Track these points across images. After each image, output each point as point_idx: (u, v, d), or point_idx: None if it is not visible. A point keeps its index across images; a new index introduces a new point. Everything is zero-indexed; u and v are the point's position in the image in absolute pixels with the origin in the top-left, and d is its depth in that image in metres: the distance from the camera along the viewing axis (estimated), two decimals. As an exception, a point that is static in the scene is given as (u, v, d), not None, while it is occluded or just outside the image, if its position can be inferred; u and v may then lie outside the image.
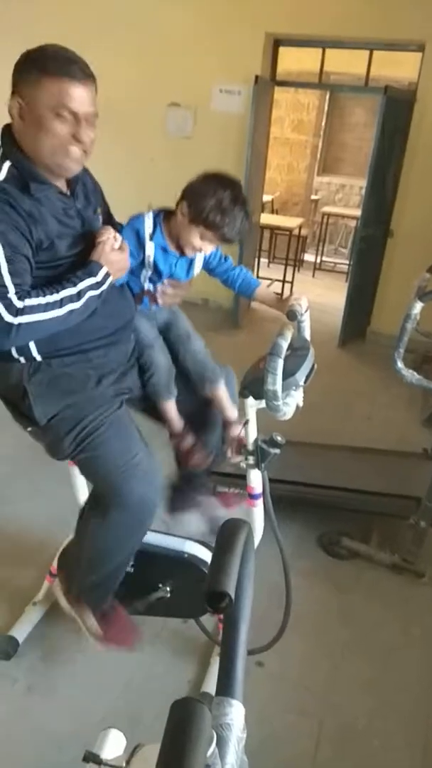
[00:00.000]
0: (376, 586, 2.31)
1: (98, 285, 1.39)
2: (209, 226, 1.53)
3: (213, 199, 1.51)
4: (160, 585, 1.80)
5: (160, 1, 4.71)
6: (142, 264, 1.62)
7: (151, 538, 1.75)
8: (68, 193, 1.44)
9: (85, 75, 1.30)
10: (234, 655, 0.65)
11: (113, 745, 0.59)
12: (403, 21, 4.12)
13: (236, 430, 1.76)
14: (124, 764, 0.60)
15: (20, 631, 1.91)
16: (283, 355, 1.31)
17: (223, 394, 1.79)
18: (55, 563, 1.90)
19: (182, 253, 1.65)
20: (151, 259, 1.62)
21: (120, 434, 1.52)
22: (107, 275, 1.41)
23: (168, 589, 1.80)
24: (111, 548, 1.57)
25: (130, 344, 1.62)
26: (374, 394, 3.98)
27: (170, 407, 1.74)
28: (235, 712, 0.64)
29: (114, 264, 1.43)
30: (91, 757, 0.61)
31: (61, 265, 1.41)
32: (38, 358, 1.44)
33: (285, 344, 1.32)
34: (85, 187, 1.50)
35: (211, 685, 1.79)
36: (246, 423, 1.59)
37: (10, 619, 1.97)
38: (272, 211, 7.48)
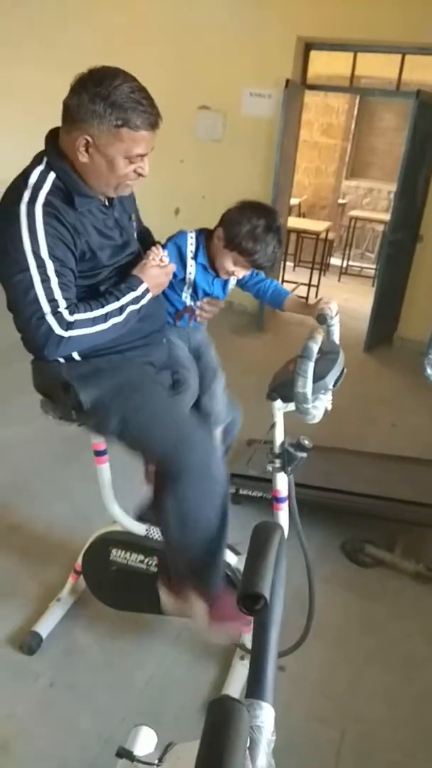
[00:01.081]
0: (400, 595, 2.28)
1: (138, 299, 1.43)
2: (242, 252, 1.60)
3: (248, 227, 1.58)
4: None
5: (191, 5, 4.73)
6: (182, 281, 1.67)
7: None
8: (107, 203, 1.47)
9: (158, 121, 1.33)
10: (265, 657, 0.65)
11: (145, 742, 0.59)
12: (437, 24, 4.08)
13: None
14: (156, 762, 0.60)
15: (44, 627, 1.93)
16: (313, 359, 1.31)
17: (218, 437, 1.85)
18: (79, 560, 1.92)
19: (218, 275, 1.70)
20: (192, 278, 1.68)
21: (166, 404, 1.54)
22: (147, 291, 1.44)
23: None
24: (196, 517, 1.51)
25: (163, 348, 1.64)
26: (400, 401, 3.93)
27: None
28: (266, 715, 0.64)
29: (154, 279, 1.47)
30: (124, 753, 0.61)
31: (100, 273, 1.44)
32: (77, 358, 1.46)
33: (316, 347, 1.31)
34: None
35: (231, 688, 1.78)
36: (273, 426, 1.59)
37: (34, 614, 1.99)
38: (299, 215, 7.46)
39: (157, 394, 1.55)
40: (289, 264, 6.79)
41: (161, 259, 1.50)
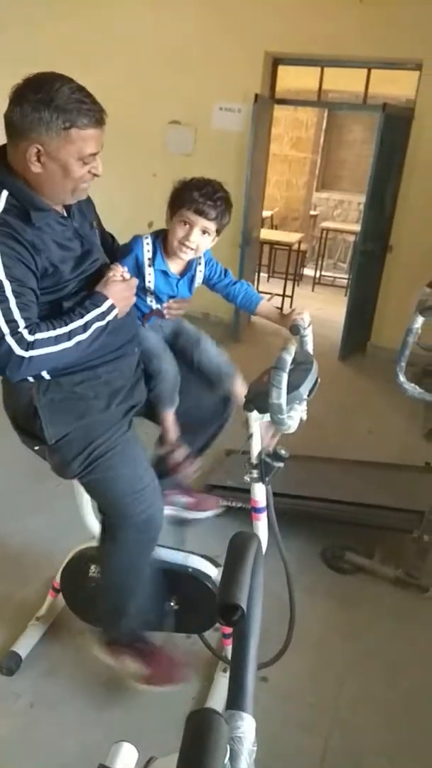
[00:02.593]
0: (381, 601, 2.30)
1: (103, 315, 1.42)
2: (184, 202, 1.57)
3: (186, 183, 1.60)
4: (164, 600, 1.79)
5: (161, 20, 4.79)
6: (144, 290, 1.66)
7: (155, 552, 1.75)
8: (65, 214, 1.45)
9: (104, 117, 1.33)
10: (245, 668, 0.66)
11: (125, 758, 0.59)
12: (401, 40, 4.19)
13: (179, 454, 1.81)
14: (137, 778, 0.60)
15: (23, 647, 1.90)
16: (287, 369, 1.32)
17: (240, 388, 1.80)
18: (57, 578, 1.90)
19: (181, 274, 1.68)
20: (152, 285, 1.66)
21: (128, 458, 1.55)
22: (112, 306, 1.43)
23: (172, 604, 1.79)
24: (126, 569, 1.60)
25: (135, 357, 1.63)
26: (375, 408, 3.98)
27: (169, 416, 1.76)
28: (247, 726, 0.64)
29: (118, 295, 1.45)
30: (103, 770, 0.61)
31: (65, 287, 1.42)
32: (47, 377, 1.45)
33: (289, 358, 1.33)
34: (79, 202, 1.50)
35: (214, 701, 1.78)
36: (250, 437, 1.60)
37: (12, 634, 1.96)
38: (272, 227, 7.54)
39: (126, 444, 1.55)
40: (264, 275, 6.86)
41: (122, 275, 1.48)
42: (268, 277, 7.08)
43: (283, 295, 6.08)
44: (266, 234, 6.33)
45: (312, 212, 8.51)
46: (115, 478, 1.52)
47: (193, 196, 1.56)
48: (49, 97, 1.25)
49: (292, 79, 5.55)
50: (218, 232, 1.64)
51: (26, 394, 1.47)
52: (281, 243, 6.30)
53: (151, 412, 1.75)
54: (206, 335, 1.85)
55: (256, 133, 4.61)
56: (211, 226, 1.60)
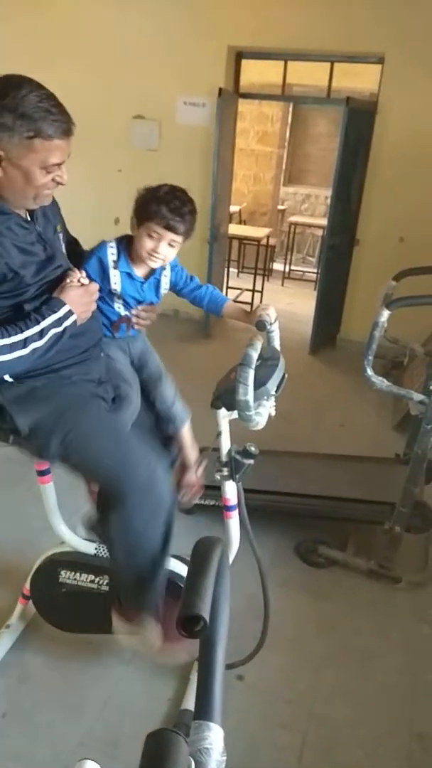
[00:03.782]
0: (354, 593, 2.31)
1: (60, 321, 1.38)
2: (150, 216, 1.56)
3: (150, 192, 1.59)
4: None
5: (122, 14, 4.72)
6: (110, 293, 1.64)
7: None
8: (28, 218, 1.41)
9: (72, 128, 1.29)
10: (211, 677, 0.64)
11: (89, 777, 0.57)
12: (363, 34, 4.21)
13: (192, 475, 1.85)
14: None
15: (-7, 656, 1.86)
16: (253, 366, 1.31)
17: (187, 436, 1.84)
18: (27, 584, 1.86)
19: (146, 277, 1.67)
20: (118, 288, 1.64)
21: (105, 426, 1.50)
22: (69, 312, 1.40)
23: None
24: (141, 535, 1.50)
25: (101, 361, 1.60)
26: (346, 401, 4.01)
27: None
28: (214, 736, 0.62)
29: (77, 301, 1.42)
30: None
31: (25, 291, 1.39)
32: (9, 380, 1.41)
33: (255, 354, 1.31)
34: (43, 206, 1.46)
35: (191, 702, 1.76)
36: (219, 435, 1.58)
37: (-18, 644, 1.91)
38: (240, 222, 7.53)
39: (99, 415, 1.52)
40: (233, 270, 6.85)
41: (80, 280, 1.45)
42: (238, 272, 7.06)
43: (253, 290, 6.07)
44: (235, 229, 6.31)
45: (280, 207, 8.52)
46: (98, 449, 1.46)
47: (162, 211, 1.55)
48: (14, 104, 1.21)
49: (256, 73, 5.53)
50: (184, 240, 1.64)
51: None
52: (250, 238, 6.29)
53: None
54: (167, 375, 1.85)
55: (222, 127, 4.58)
56: (179, 239, 1.61)
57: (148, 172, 4.88)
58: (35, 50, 4.87)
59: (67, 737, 1.69)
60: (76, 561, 1.76)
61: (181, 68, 4.69)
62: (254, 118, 8.03)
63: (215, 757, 0.62)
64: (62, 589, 1.78)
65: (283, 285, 7.11)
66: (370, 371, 2.04)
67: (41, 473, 1.70)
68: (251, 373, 1.30)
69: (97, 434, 1.48)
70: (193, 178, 4.81)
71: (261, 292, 6.17)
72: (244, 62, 4.84)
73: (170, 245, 1.60)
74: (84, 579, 1.76)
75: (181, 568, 1.77)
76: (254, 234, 6.38)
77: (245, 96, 5.12)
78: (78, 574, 1.76)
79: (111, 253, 1.62)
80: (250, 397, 1.32)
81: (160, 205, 1.55)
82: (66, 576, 1.77)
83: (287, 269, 7.24)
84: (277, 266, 7.57)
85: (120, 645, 1.74)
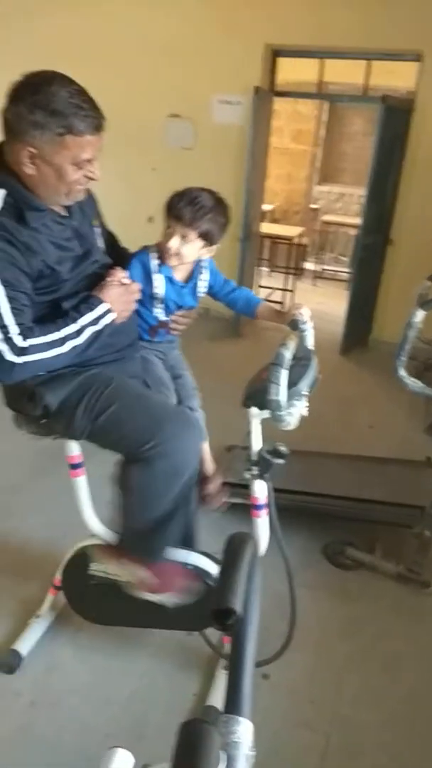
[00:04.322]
0: (382, 597, 2.29)
1: (98, 320, 1.40)
2: (169, 210, 1.59)
3: (175, 192, 1.61)
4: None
5: (158, 13, 4.75)
6: (152, 297, 1.66)
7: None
8: (65, 213, 1.43)
9: (102, 123, 1.30)
10: (242, 671, 0.64)
11: (120, 764, 0.58)
12: (401, 31, 4.15)
13: (213, 486, 1.88)
14: (132, 785, 0.59)
15: (24, 645, 1.90)
16: (286, 365, 1.31)
17: (206, 450, 1.86)
18: (58, 575, 1.89)
19: (186, 281, 1.70)
20: (161, 292, 1.66)
21: (133, 390, 1.52)
22: (108, 310, 1.42)
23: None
24: (160, 495, 1.52)
25: (137, 361, 1.62)
26: (376, 402, 3.97)
27: None
28: (243, 730, 0.63)
29: (117, 299, 1.44)
30: (97, 778, 0.60)
31: (62, 287, 1.41)
32: (44, 374, 1.44)
33: (288, 354, 1.31)
34: (81, 200, 1.48)
35: (216, 699, 1.77)
36: (249, 434, 1.59)
37: (13, 632, 1.96)
38: (272, 221, 7.50)
39: (124, 384, 1.53)
40: (264, 269, 6.83)
41: (121, 280, 1.47)
42: (269, 271, 7.04)
43: (284, 290, 6.05)
44: (267, 228, 6.29)
45: (313, 206, 8.45)
46: (125, 418, 1.47)
47: (172, 201, 1.59)
48: (45, 101, 1.22)
49: (292, 71, 5.50)
50: (204, 238, 1.62)
51: (19, 384, 1.45)
52: (282, 237, 6.26)
53: None
54: (196, 391, 1.87)
55: (256, 126, 4.57)
56: (189, 231, 1.59)
57: (182, 171, 4.94)
58: (71, 48, 4.93)
59: (94, 728, 1.72)
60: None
61: (217, 67, 4.70)
62: (289, 117, 7.98)
63: (244, 751, 0.62)
64: (92, 581, 1.81)
65: (314, 284, 7.06)
66: (402, 372, 2.02)
67: (73, 466, 1.73)
68: (284, 373, 1.30)
69: (122, 399, 1.49)
70: (226, 176, 4.83)
71: (292, 291, 6.14)
72: (280, 60, 4.83)
73: (182, 238, 1.60)
74: (113, 571, 1.78)
75: (208, 565, 1.78)
76: (287, 233, 6.36)
77: (281, 94, 5.10)
78: (108, 566, 1.79)
79: (154, 257, 1.64)
80: (283, 397, 1.32)
81: (173, 197, 1.59)
82: (96, 568, 1.80)
83: (319, 269, 7.19)
84: (309, 265, 7.52)
85: (147, 637, 1.77)
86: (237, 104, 4.72)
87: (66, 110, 1.23)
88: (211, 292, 1.80)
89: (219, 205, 1.62)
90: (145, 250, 1.66)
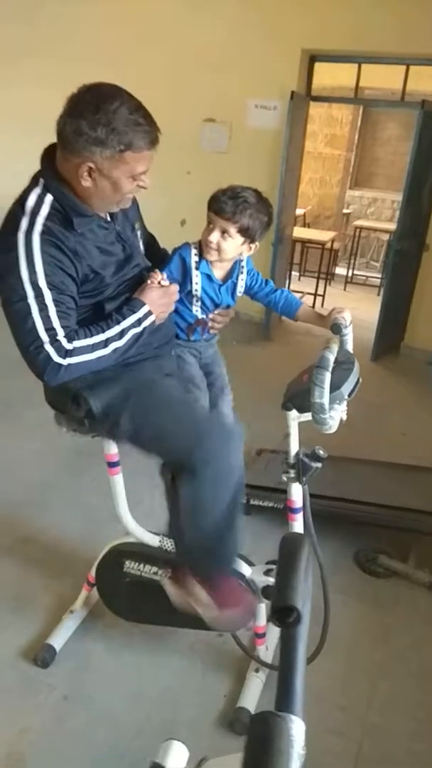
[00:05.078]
0: (414, 605, 2.27)
1: (139, 322, 1.42)
2: (211, 204, 1.59)
3: (220, 188, 1.62)
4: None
5: (196, 17, 4.79)
6: (190, 294, 1.67)
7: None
8: (107, 218, 1.46)
9: (158, 137, 1.32)
10: (295, 670, 0.65)
11: (176, 756, 0.59)
12: (441, 36, 4.11)
13: None
14: (190, 777, 0.60)
15: (57, 640, 1.92)
16: (330, 369, 1.31)
17: None
18: (92, 572, 1.92)
19: (224, 280, 1.70)
20: (199, 289, 1.67)
21: (175, 398, 1.53)
22: (149, 313, 1.44)
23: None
24: (210, 507, 1.51)
25: (173, 359, 1.64)
26: (409, 410, 3.92)
27: None
28: (297, 729, 0.63)
29: (157, 301, 1.46)
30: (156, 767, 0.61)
31: (106, 290, 1.44)
32: (88, 376, 1.46)
33: (332, 357, 1.32)
34: None
35: (246, 701, 1.77)
36: (288, 436, 1.59)
37: (47, 627, 1.98)
38: (304, 225, 7.48)
39: (167, 391, 1.55)
40: (295, 274, 6.82)
41: (160, 282, 1.49)
42: (299, 275, 7.02)
43: (315, 294, 6.03)
44: (299, 232, 6.28)
45: (345, 210, 8.42)
46: (167, 421, 1.48)
47: (216, 195, 1.60)
48: (107, 119, 1.23)
49: (328, 76, 5.49)
50: (245, 234, 1.62)
51: (62, 386, 1.47)
52: (314, 241, 6.25)
53: None
54: (229, 393, 1.86)
55: (292, 130, 4.57)
56: (229, 226, 1.59)
57: (217, 175, 4.93)
58: (108, 51, 5.01)
59: (125, 725, 1.73)
60: (141, 552, 1.81)
61: (253, 71, 4.71)
62: (323, 121, 7.97)
63: (297, 750, 0.63)
64: (126, 579, 1.82)
65: (345, 289, 7.02)
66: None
67: (111, 465, 1.75)
68: (328, 376, 1.30)
69: (167, 409, 1.50)
70: (260, 180, 4.80)
71: (323, 296, 6.12)
72: (317, 64, 4.82)
73: (223, 233, 1.60)
74: (147, 570, 1.80)
75: (242, 567, 1.78)
76: (319, 237, 6.34)
77: (317, 99, 5.10)
78: (142, 565, 1.80)
79: (194, 254, 1.65)
80: (326, 400, 1.32)
81: (217, 192, 1.60)
82: (130, 566, 1.82)
83: (350, 273, 7.14)
84: (339, 270, 7.48)
85: (179, 636, 1.77)
86: (273, 109, 4.73)
87: (127, 127, 1.25)
88: (250, 292, 1.80)
89: (261, 202, 1.62)
90: (186, 245, 1.68)
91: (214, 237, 1.61)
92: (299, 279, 6.94)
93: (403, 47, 4.27)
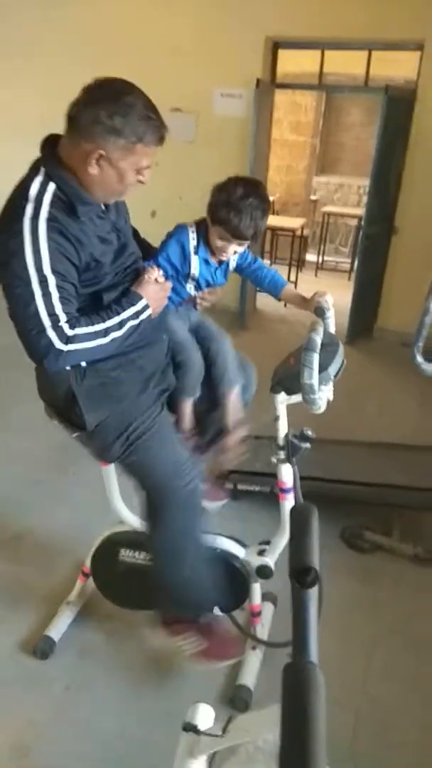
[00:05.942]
0: (401, 578, 2.34)
1: (137, 314, 1.46)
2: (221, 222, 1.60)
3: (224, 196, 1.60)
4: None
5: (159, 7, 4.76)
6: (187, 276, 1.68)
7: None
8: (105, 208, 1.48)
9: (165, 135, 1.37)
10: (311, 624, 0.68)
11: (204, 717, 0.62)
12: (402, 20, 4.17)
13: (234, 438, 1.83)
14: (221, 733, 0.63)
15: (56, 631, 1.94)
16: (318, 350, 1.35)
17: (234, 399, 1.83)
18: (87, 562, 1.94)
19: (220, 262, 1.72)
20: (197, 273, 1.69)
21: (165, 437, 1.59)
22: (146, 306, 1.47)
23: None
24: (180, 544, 1.62)
25: (164, 343, 1.66)
26: (384, 390, 4.01)
27: (187, 406, 1.79)
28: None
29: (153, 296, 1.49)
30: (189, 727, 0.64)
31: (104, 279, 1.46)
32: (83, 364, 1.48)
33: (319, 339, 1.36)
34: None
35: (246, 678, 1.82)
36: (277, 419, 1.63)
37: (45, 619, 2.00)
38: (273, 212, 7.51)
39: (161, 426, 1.60)
40: (266, 261, 6.85)
41: (156, 278, 1.52)
42: (271, 263, 7.06)
43: (287, 282, 6.07)
44: (269, 219, 6.30)
45: (312, 197, 8.48)
46: (155, 457, 1.56)
47: (232, 223, 1.58)
48: (124, 110, 1.29)
49: (291, 63, 5.51)
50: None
51: (64, 383, 1.49)
52: (285, 228, 6.29)
53: (170, 400, 1.77)
54: (227, 337, 1.88)
55: (259, 118, 4.60)
56: (247, 242, 1.67)
57: (185, 164, 4.96)
58: (71, 44, 4.95)
59: (127, 710, 1.76)
60: (136, 539, 1.83)
61: (219, 60, 4.71)
62: (287, 108, 8.00)
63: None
64: (122, 567, 1.85)
65: (316, 276, 7.09)
66: (420, 358, 2.06)
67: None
68: (316, 357, 1.34)
69: (156, 442, 1.56)
70: (229, 168, 4.78)
71: (295, 283, 6.17)
72: (281, 52, 4.84)
73: (239, 245, 1.67)
74: (143, 557, 1.82)
75: (236, 548, 1.82)
76: (289, 224, 6.39)
77: (282, 86, 5.12)
78: (137, 552, 1.83)
79: (192, 238, 1.67)
80: (315, 380, 1.36)
81: (230, 214, 1.57)
82: (126, 554, 1.84)
83: (320, 260, 7.22)
84: (310, 257, 7.55)
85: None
86: (239, 97, 4.74)
87: (141, 121, 1.30)
88: (239, 269, 1.83)
89: (267, 202, 1.65)
90: (183, 228, 1.68)
91: (233, 249, 1.66)
92: (270, 266, 6.97)
93: (367, 32, 4.32)
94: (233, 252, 1.68)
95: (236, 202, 1.57)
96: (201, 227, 1.68)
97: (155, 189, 4.82)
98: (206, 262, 1.70)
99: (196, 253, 1.67)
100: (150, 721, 1.73)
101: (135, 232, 1.78)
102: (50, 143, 1.39)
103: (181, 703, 1.74)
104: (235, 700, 1.77)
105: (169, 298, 1.67)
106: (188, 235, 1.67)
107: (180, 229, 1.68)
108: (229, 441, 1.86)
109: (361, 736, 1.74)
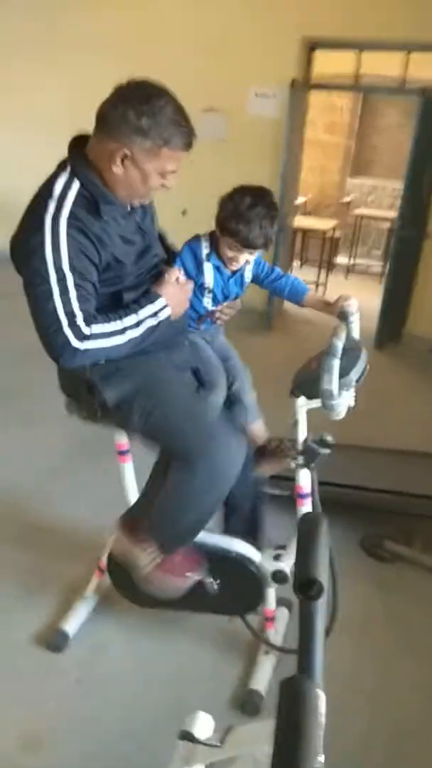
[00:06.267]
0: (421, 589, 2.30)
1: (156, 314, 1.45)
2: (229, 232, 1.59)
3: (231, 206, 1.58)
4: (207, 582, 1.82)
5: (196, 5, 4.76)
6: (202, 286, 1.68)
7: (199, 535, 1.77)
8: (129, 208, 1.48)
9: (193, 141, 1.37)
10: (316, 640, 0.67)
11: (203, 726, 0.62)
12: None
13: (269, 449, 1.85)
14: (218, 744, 0.62)
15: (70, 625, 1.96)
16: (339, 355, 1.33)
17: (260, 429, 1.88)
18: (104, 558, 1.94)
19: (233, 272, 1.72)
20: (210, 281, 1.69)
21: (186, 399, 1.58)
22: (165, 306, 1.47)
23: (214, 586, 1.82)
24: (195, 499, 1.59)
25: (186, 349, 1.66)
26: (411, 396, 3.95)
27: None
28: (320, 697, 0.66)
29: (173, 297, 1.49)
30: (186, 735, 0.63)
31: (126, 279, 1.46)
32: (101, 362, 1.49)
33: (341, 344, 1.34)
34: None
35: (257, 683, 1.81)
36: (296, 423, 1.61)
37: (60, 613, 2.02)
38: (305, 213, 7.47)
39: (178, 389, 1.59)
40: (296, 263, 6.81)
41: (177, 279, 1.52)
42: (301, 264, 7.02)
43: (317, 283, 6.03)
44: (300, 221, 6.27)
45: (345, 198, 8.39)
46: (177, 422, 1.54)
47: (242, 234, 1.57)
48: (153, 111, 1.29)
49: (327, 64, 5.46)
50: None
51: (79, 374, 1.50)
52: (315, 230, 6.24)
53: None
54: (249, 374, 1.90)
55: (292, 118, 4.57)
56: (259, 251, 1.66)
57: (217, 164, 4.95)
58: (106, 42, 4.99)
59: (137, 707, 1.77)
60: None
61: (254, 59, 4.69)
62: (323, 109, 7.92)
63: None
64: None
65: (346, 278, 7.02)
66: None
67: (122, 453, 1.78)
68: (337, 362, 1.32)
69: (178, 407, 1.55)
70: (260, 169, 4.82)
71: (324, 285, 6.12)
72: (316, 52, 4.80)
73: (250, 254, 1.66)
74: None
75: (252, 552, 1.81)
76: (320, 226, 6.34)
77: (317, 87, 5.08)
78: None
79: (204, 246, 1.67)
80: (335, 386, 1.34)
81: (239, 225, 1.56)
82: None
83: (351, 262, 7.14)
84: (340, 259, 7.47)
85: (190, 621, 1.80)
86: (273, 97, 4.71)
87: (169, 125, 1.31)
88: (257, 280, 1.81)
89: (273, 207, 1.63)
90: (197, 239, 1.69)
91: (243, 259, 1.66)
92: (300, 268, 6.94)
93: (404, 33, 4.25)
94: (245, 261, 1.67)
95: (244, 212, 1.56)
96: (213, 237, 1.68)
97: (186, 187, 4.82)
98: (218, 270, 1.69)
99: (208, 260, 1.67)
100: (159, 719, 1.73)
101: (161, 237, 1.79)
102: (78, 143, 1.40)
103: (191, 705, 1.75)
104: (246, 704, 1.76)
105: (189, 316, 1.67)
106: (201, 243, 1.67)
107: (193, 239, 1.69)
108: (267, 452, 1.87)
109: (374, 747, 1.71)
